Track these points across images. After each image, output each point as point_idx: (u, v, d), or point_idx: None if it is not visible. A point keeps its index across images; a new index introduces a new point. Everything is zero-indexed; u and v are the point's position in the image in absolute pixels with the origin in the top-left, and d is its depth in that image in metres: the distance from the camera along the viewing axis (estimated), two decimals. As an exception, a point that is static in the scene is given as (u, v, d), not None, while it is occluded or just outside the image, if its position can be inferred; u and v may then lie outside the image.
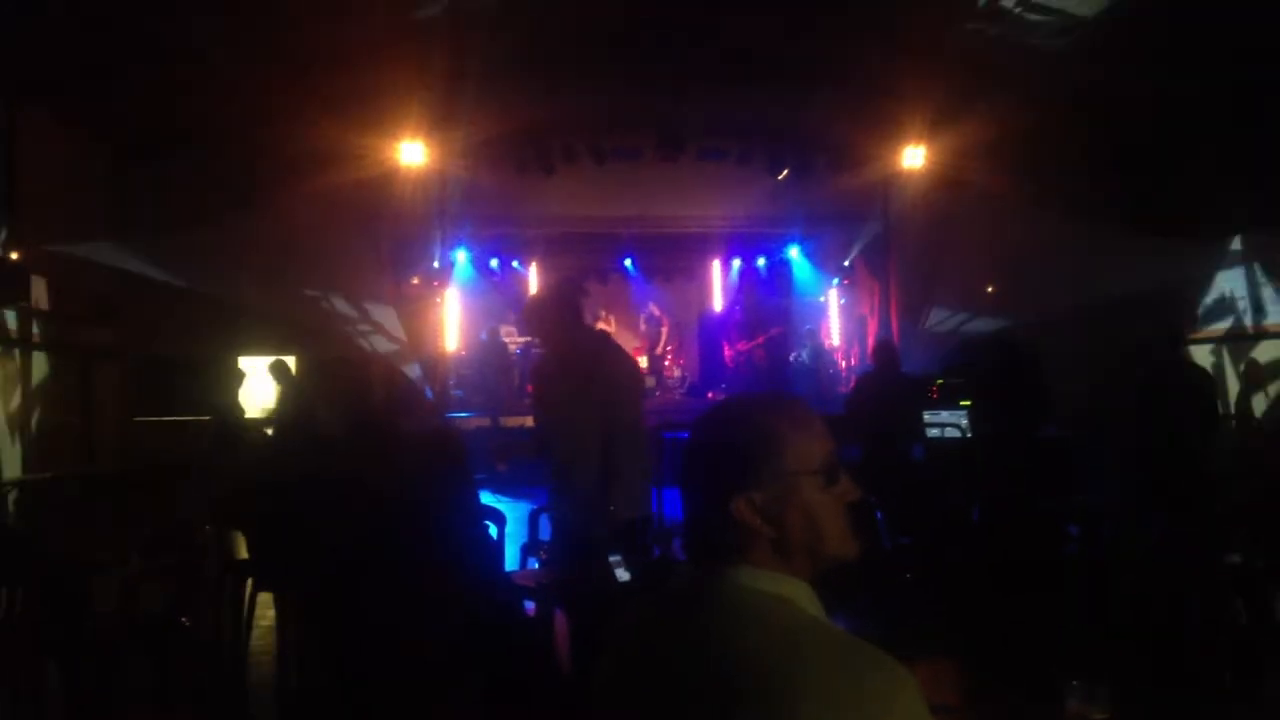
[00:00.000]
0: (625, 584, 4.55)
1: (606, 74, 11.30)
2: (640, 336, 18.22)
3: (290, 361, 10.00)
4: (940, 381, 10.90)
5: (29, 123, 9.95)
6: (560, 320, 5.21)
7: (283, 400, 9.49)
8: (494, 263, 18.31)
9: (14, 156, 9.72)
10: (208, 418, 8.55)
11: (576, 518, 5.09)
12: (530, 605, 4.83)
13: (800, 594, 1.60)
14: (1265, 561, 5.41)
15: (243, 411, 8.15)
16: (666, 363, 18.43)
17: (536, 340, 5.86)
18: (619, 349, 5.71)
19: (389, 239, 14.54)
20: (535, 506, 7.44)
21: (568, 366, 5.23)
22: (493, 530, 6.02)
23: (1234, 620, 5.13)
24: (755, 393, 1.94)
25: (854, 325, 17.97)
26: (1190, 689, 4.42)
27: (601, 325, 17.70)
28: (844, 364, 17.91)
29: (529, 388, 6.11)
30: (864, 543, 1.68)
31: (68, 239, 10.45)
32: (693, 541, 1.70)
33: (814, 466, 1.63)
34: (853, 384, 10.55)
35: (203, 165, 11.63)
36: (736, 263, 19.42)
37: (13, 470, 9.62)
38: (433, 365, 14.82)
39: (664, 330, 18.30)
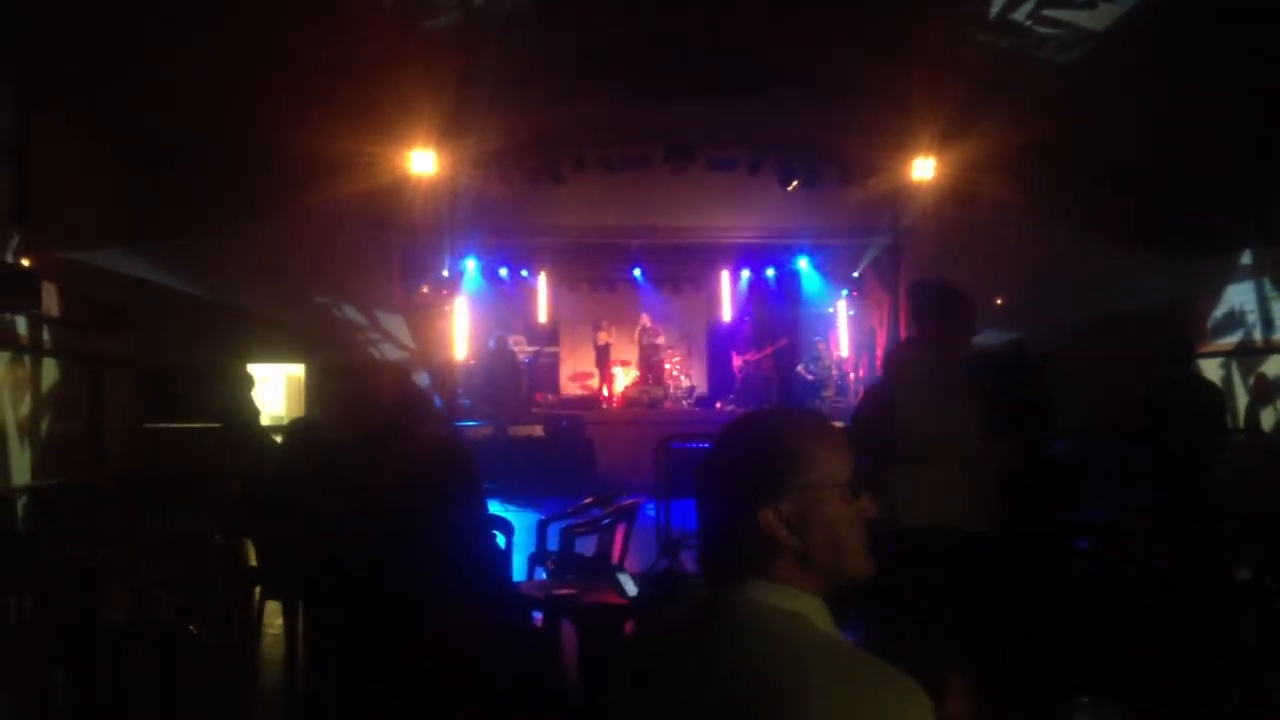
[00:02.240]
0: (634, 597, 4.55)
1: (617, 84, 11.32)
2: (636, 346, 18.23)
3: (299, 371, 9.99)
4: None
5: (42, 130, 9.98)
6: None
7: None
8: (503, 272, 18.37)
9: (27, 163, 9.75)
10: (218, 425, 8.53)
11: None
12: (538, 616, 4.84)
13: (813, 610, 1.61)
14: (1275, 577, 5.39)
15: (257, 416, 8.12)
16: (675, 373, 18.45)
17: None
18: None
19: (399, 247, 14.58)
20: (543, 516, 7.44)
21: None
22: (500, 540, 6.02)
23: (1243, 636, 5.12)
24: (778, 407, 1.93)
25: (863, 337, 17.98)
26: (1200, 705, 4.41)
27: (604, 335, 17.78)
28: (852, 375, 17.93)
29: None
30: (878, 558, 1.69)
31: (79, 246, 10.48)
32: (712, 554, 1.70)
33: (840, 480, 1.65)
34: (861, 395, 10.54)
35: (214, 173, 11.67)
36: (745, 273, 19.46)
37: (22, 477, 9.63)
38: (441, 374, 14.84)
39: (660, 341, 18.30)
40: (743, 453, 1.69)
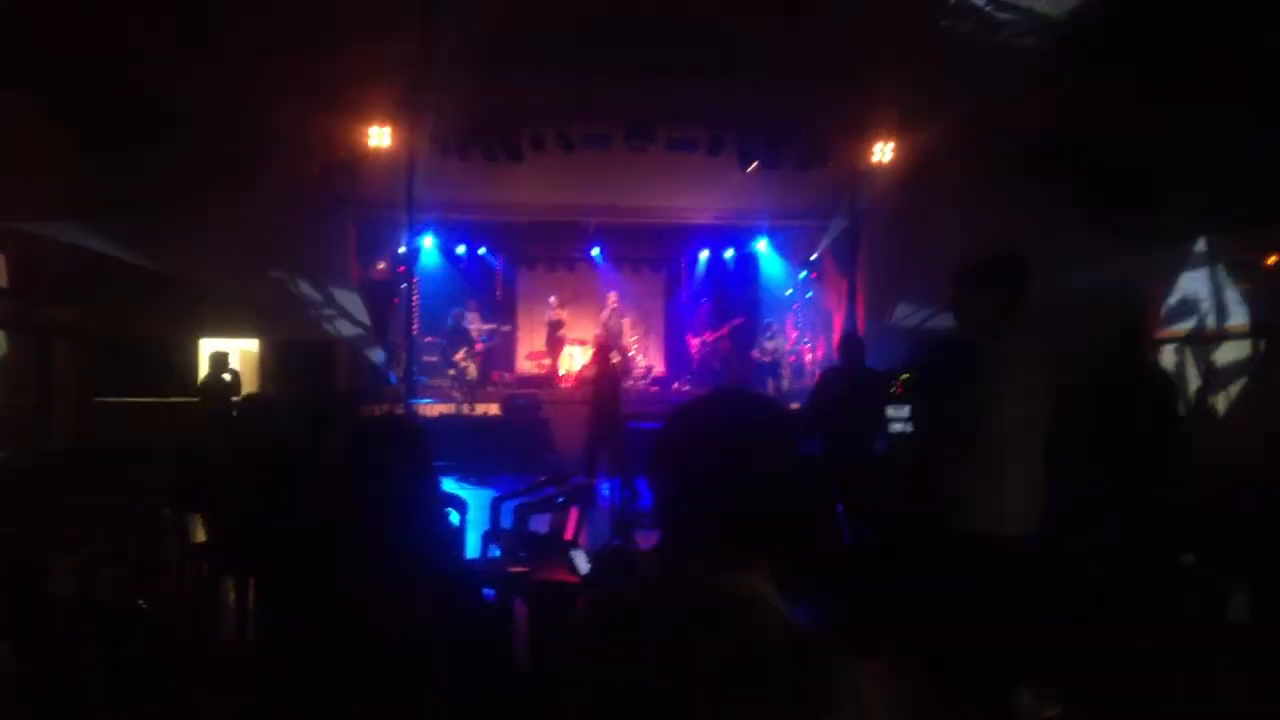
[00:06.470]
0: (586, 575, 4.55)
1: (577, 62, 11.27)
2: (602, 326, 18.15)
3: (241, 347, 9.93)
4: (905, 377, 10.93)
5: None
6: None
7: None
8: (461, 249, 18.25)
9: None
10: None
11: None
12: (490, 593, 4.83)
13: (765, 589, 1.60)
14: (1219, 561, 5.47)
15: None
16: (632, 353, 18.42)
17: None
18: None
19: (355, 223, 14.47)
20: (498, 494, 7.42)
21: None
22: (454, 518, 5.99)
23: (1186, 618, 5.18)
24: (760, 392, 1.93)
25: (820, 319, 18.01)
26: (1142, 686, 4.46)
27: (556, 312, 17.76)
28: (809, 357, 17.96)
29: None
30: (826, 538, 1.69)
31: (31, 217, 10.32)
32: (707, 533, 1.65)
33: None
34: (817, 377, 10.58)
35: (170, 147, 11.51)
36: (704, 254, 19.43)
37: (-31, 449, 9.53)
38: (397, 351, 14.76)
39: (625, 321, 18.26)
40: (780, 441, 1.66)
